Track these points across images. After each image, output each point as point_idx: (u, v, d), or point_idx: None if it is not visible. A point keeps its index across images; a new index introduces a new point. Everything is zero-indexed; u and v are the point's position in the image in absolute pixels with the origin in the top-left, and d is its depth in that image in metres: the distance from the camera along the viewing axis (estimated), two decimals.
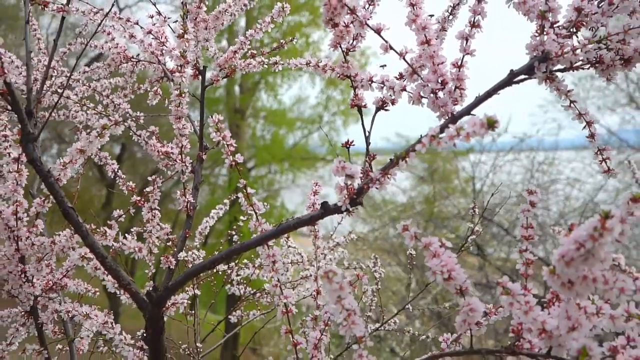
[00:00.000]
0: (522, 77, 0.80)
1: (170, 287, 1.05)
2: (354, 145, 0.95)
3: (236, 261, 1.90)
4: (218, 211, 1.92)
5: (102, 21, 1.31)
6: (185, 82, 1.21)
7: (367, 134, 0.90)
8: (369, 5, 0.88)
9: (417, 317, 6.25)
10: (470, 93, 0.83)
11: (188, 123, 1.31)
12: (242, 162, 1.04)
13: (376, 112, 0.92)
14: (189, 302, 1.64)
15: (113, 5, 1.32)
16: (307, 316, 1.07)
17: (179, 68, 1.21)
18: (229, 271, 1.87)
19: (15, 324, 1.32)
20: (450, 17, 0.94)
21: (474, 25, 0.83)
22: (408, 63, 0.86)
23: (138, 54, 1.57)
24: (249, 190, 1.01)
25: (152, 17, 1.39)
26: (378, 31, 0.85)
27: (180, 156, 1.32)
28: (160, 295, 1.05)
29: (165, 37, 1.38)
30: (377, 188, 0.79)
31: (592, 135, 0.84)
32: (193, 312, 1.93)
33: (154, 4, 1.45)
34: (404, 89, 0.88)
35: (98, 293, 1.46)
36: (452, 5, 0.94)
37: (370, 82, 0.91)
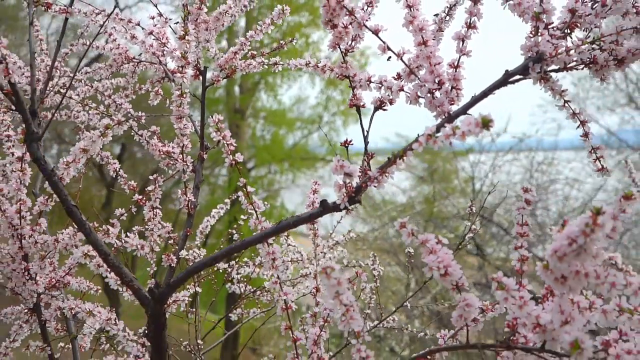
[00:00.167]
0: (517, 77, 0.82)
1: (172, 283, 1.06)
2: (352, 144, 0.97)
3: (237, 259, 1.91)
4: (219, 210, 1.94)
5: (104, 22, 1.32)
6: (186, 82, 1.22)
7: (365, 133, 0.91)
8: (368, 6, 0.89)
9: (416, 317, 6.26)
10: (466, 93, 0.84)
11: (189, 123, 1.32)
12: (242, 162, 1.06)
13: (374, 112, 0.93)
14: (190, 299, 1.65)
15: (115, 7, 1.33)
16: (307, 314, 1.09)
17: (180, 69, 1.22)
18: (229, 269, 1.88)
19: (18, 321, 1.34)
20: (447, 18, 0.95)
21: (470, 26, 0.85)
22: (405, 63, 0.88)
23: (139, 55, 1.59)
24: (249, 188, 1.03)
25: (153, 18, 1.40)
26: (376, 32, 0.87)
27: (181, 155, 1.34)
28: (162, 292, 1.07)
29: (166, 38, 1.39)
30: (375, 186, 0.80)
31: (586, 134, 0.86)
32: (194, 309, 1.94)
33: (155, 5, 1.46)
34: (401, 89, 0.89)
35: (100, 291, 1.47)
36: (448, 6, 0.95)
37: (368, 82, 0.93)
